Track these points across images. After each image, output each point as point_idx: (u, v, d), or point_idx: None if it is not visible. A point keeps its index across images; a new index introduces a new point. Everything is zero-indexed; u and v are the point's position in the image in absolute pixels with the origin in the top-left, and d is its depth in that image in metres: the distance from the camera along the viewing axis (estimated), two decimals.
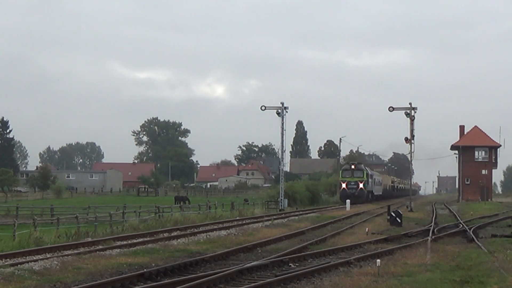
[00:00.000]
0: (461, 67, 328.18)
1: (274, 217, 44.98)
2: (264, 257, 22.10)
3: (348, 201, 63.81)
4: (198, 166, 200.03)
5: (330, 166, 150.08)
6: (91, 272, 18.53)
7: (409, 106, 62.72)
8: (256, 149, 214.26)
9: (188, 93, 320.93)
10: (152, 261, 21.16)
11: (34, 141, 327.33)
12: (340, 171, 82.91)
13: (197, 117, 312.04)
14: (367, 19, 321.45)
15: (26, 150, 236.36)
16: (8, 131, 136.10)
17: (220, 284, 16.62)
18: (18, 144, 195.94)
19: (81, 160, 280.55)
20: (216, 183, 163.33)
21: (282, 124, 66.02)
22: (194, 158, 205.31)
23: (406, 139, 62.76)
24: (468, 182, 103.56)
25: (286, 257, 21.11)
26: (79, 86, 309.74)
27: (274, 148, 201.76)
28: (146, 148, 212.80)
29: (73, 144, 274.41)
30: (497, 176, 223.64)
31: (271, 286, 16.37)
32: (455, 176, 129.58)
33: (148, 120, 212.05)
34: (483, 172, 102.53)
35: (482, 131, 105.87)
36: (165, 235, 29.98)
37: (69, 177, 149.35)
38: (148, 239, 27.92)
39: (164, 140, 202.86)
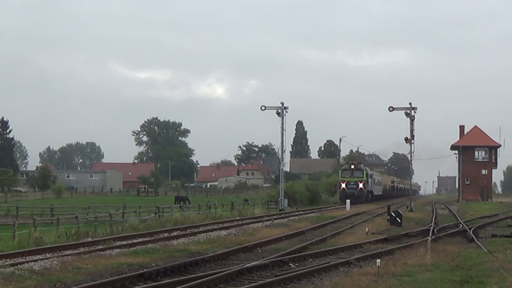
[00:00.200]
0: (461, 67, 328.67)
1: (274, 217, 44.99)
2: (264, 257, 22.09)
3: (348, 201, 63.80)
4: (198, 166, 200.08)
5: (330, 166, 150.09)
6: (91, 272, 18.53)
7: (409, 106, 62.74)
8: (256, 149, 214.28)
9: (188, 93, 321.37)
10: (152, 261, 21.16)
11: (34, 141, 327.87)
12: (340, 171, 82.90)
13: (197, 117, 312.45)
14: (367, 19, 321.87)
15: (26, 150, 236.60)
16: (8, 131, 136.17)
17: (220, 284, 16.61)
18: (18, 144, 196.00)
19: (81, 160, 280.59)
20: (216, 183, 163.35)
21: (282, 124, 66.04)
22: (194, 158, 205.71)
23: (406, 139, 62.77)
24: (468, 182, 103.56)
25: (286, 257, 21.10)
26: (79, 86, 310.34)
27: (274, 148, 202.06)
28: (146, 148, 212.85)
29: (73, 144, 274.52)
30: (497, 176, 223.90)
31: (271, 286, 16.37)
32: (455, 176, 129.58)
33: (148, 120, 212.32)
34: (483, 172, 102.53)
35: (482, 131, 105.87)
36: (165, 235, 29.97)
37: (69, 177, 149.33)
38: (148, 239, 27.91)
39: (164, 140, 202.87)
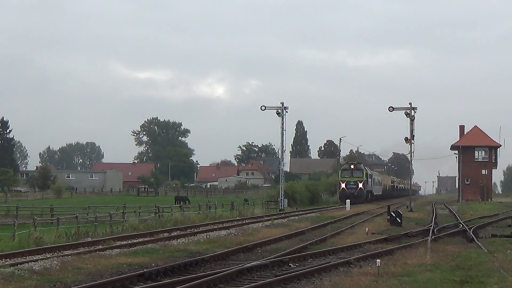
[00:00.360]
0: (461, 67, 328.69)
1: (274, 217, 44.98)
2: (264, 257, 22.09)
3: (348, 201, 63.78)
4: (198, 166, 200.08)
5: (330, 166, 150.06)
6: (91, 272, 18.53)
7: (409, 106, 62.73)
8: (256, 149, 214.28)
9: (188, 93, 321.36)
10: (152, 261, 21.16)
11: (34, 141, 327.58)
12: (340, 171, 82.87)
13: (197, 117, 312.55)
14: (367, 19, 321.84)
15: (26, 150, 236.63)
16: (8, 131, 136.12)
17: (220, 284, 16.61)
18: (18, 144, 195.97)
19: (81, 160, 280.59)
20: (216, 183, 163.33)
21: (282, 124, 66.03)
22: (194, 158, 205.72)
23: (406, 139, 62.76)
24: (468, 182, 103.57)
25: (286, 257, 21.10)
26: (79, 86, 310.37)
27: (274, 148, 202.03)
28: (146, 148, 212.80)
29: (73, 144, 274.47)
30: (497, 176, 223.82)
31: (271, 286, 16.37)
32: (455, 176, 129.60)
33: (148, 120, 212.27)
34: (483, 172, 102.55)
35: (482, 131, 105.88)
36: (165, 235, 29.97)
37: (69, 177, 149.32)
38: (148, 239, 27.91)
39: (164, 140, 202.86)
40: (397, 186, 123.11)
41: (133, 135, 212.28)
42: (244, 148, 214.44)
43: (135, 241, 26.74)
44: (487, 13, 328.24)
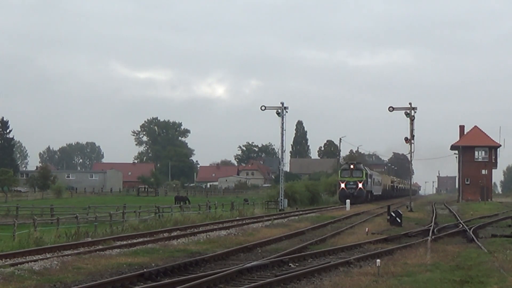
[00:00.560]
0: (461, 67, 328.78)
1: (274, 217, 44.97)
2: (264, 257, 22.09)
3: (348, 201, 63.77)
4: (198, 166, 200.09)
5: (330, 166, 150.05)
6: (91, 272, 18.53)
7: (409, 106, 62.74)
8: (256, 149, 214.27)
9: (188, 93, 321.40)
10: (152, 261, 21.16)
11: (34, 141, 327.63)
12: (339, 171, 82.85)
13: (198, 117, 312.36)
14: (368, 19, 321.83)
15: (26, 150, 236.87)
16: (8, 131, 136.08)
17: (220, 284, 16.61)
18: (18, 144, 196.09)
19: (81, 160, 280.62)
20: (216, 183, 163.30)
21: (282, 124, 66.04)
22: (194, 158, 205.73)
23: (406, 139, 62.77)
24: (468, 182, 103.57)
25: (286, 257, 21.10)
26: (80, 86, 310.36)
27: (274, 148, 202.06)
28: (146, 148, 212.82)
29: (73, 144, 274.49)
30: (497, 176, 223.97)
31: (271, 286, 16.37)
32: (455, 176, 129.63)
33: (148, 120, 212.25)
34: (483, 172, 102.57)
35: (482, 131, 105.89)
36: (165, 235, 29.97)
37: (69, 177, 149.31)
38: (148, 239, 27.91)
39: (164, 140, 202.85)
40: (397, 186, 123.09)
41: (133, 135, 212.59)
42: (244, 148, 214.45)
43: (135, 241, 26.74)
44: (487, 13, 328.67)
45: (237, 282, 17.12)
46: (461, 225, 37.02)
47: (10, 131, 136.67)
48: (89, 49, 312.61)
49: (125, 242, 25.99)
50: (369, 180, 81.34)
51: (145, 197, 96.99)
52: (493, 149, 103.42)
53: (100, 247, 24.18)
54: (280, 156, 75.77)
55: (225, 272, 17.53)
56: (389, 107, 63.75)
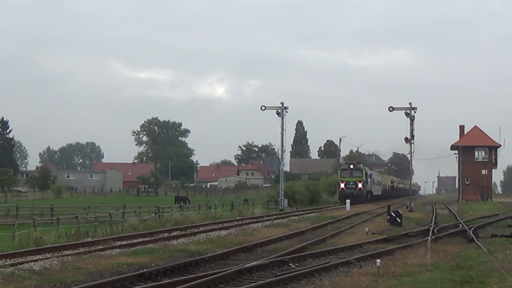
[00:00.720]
0: (461, 67, 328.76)
1: (274, 217, 44.97)
2: (264, 257, 22.09)
3: (348, 201, 63.76)
4: (198, 166, 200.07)
5: (330, 166, 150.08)
6: (91, 272, 18.52)
7: (409, 106, 62.74)
8: (256, 149, 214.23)
9: (189, 93, 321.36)
10: (152, 261, 21.16)
11: (34, 141, 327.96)
12: (339, 171, 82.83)
13: (198, 117, 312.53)
14: (368, 19, 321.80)
15: (26, 150, 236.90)
16: (8, 131, 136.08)
17: (220, 284, 16.61)
18: (18, 144, 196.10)
19: (81, 160, 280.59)
20: (216, 183, 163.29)
21: (282, 124, 66.04)
22: (194, 158, 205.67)
23: (406, 139, 62.76)
24: (468, 182, 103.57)
25: (286, 257, 21.10)
26: (80, 86, 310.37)
27: (274, 148, 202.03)
28: (146, 148, 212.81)
29: (73, 144, 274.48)
30: (497, 176, 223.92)
31: (271, 286, 16.36)
32: (455, 176, 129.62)
33: (148, 120, 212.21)
34: (483, 172, 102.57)
35: (482, 131, 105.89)
36: (165, 235, 29.97)
37: (69, 177, 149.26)
38: (148, 239, 27.91)
39: (164, 140, 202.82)
40: (397, 186, 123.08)
41: (133, 135, 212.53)
42: (244, 148, 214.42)
43: (135, 241, 26.74)
44: (487, 13, 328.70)
45: (237, 282, 17.12)
46: (461, 225, 37.02)
47: (10, 131, 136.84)
48: (89, 49, 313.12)
49: (125, 242, 25.99)
50: (368, 180, 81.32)
51: (145, 197, 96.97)
52: (493, 149, 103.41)
53: (100, 247, 24.18)
54: (280, 156, 75.80)
55: (225, 272, 17.53)
56: (389, 107, 63.75)
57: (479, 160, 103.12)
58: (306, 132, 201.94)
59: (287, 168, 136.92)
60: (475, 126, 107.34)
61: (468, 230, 32.53)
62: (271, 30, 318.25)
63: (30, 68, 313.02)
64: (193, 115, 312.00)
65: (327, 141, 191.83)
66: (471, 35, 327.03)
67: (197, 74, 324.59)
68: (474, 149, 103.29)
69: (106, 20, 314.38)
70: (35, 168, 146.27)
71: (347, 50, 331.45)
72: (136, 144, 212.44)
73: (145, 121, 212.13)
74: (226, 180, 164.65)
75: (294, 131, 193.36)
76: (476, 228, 35.76)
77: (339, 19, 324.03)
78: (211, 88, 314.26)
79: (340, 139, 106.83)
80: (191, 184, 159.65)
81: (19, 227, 29.13)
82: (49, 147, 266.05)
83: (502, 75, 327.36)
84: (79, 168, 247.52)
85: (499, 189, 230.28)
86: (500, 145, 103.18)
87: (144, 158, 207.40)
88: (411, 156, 64.84)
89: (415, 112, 62.68)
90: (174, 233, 30.89)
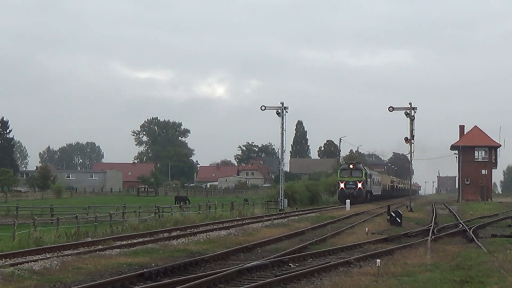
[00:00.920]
0: (461, 67, 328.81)
1: (274, 217, 44.97)
2: (264, 257, 22.09)
3: (348, 201, 63.76)
4: (198, 166, 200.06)
5: (330, 166, 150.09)
6: (91, 272, 18.53)
7: (409, 106, 62.74)
8: (256, 149, 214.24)
9: (189, 93, 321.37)
10: (152, 261, 21.16)
11: (34, 141, 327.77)
12: (339, 171, 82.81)
13: (198, 117, 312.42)
14: (368, 19, 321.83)
15: (26, 150, 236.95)
16: (8, 131, 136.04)
17: (220, 284, 16.61)
18: (18, 144, 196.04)
19: (81, 160, 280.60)
20: (216, 183, 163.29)
21: (282, 124, 66.04)
22: (194, 158, 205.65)
23: (406, 139, 62.76)
24: (468, 182, 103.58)
25: (286, 257, 21.10)
26: (80, 86, 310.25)
27: (274, 148, 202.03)
28: (146, 148, 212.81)
29: (73, 144, 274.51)
30: (497, 176, 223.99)
31: (271, 286, 16.37)
32: (455, 176, 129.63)
33: (148, 120, 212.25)
34: (483, 172, 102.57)
35: (482, 131, 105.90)
36: (165, 235, 29.96)
37: (69, 177, 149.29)
38: (148, 239, 27.91)
39: (164, 140, 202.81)
40: (397, 186, 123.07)
41: (133, 135, 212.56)
42: (244, 148, 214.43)
43: (135, 241, 26.74)
44: (487, 13, 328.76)
45: (237, 282, 17.12)
46: (461, 225, 37.02)
47: (10, 131, 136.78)
48: (89, 49, 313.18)
49: (125, 242, 25.99)
50: (368, 180, 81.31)
51: (145, 197, 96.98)
52: (493, 149, 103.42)
53: (100, 247, 24.17)
54: (280, 156, 75.79)
55: (225, 272, 17.53)
56: (389, 107, 63.75)
57: (479, 160, 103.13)
58: (306, 132, 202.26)
59: (287, 168, 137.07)
60: (475, 126, 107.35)
61: (468, 230, 32.52)
62: (271, 30, 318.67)
63: (30, 68, 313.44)
64: (193, 115, 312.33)
65: (327, 141, 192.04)
66: (471, 35, 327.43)
67: (197, 74, 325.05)
68: (474, 149, 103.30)
69: (106, 20, 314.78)
70: (35, 168, 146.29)
71: (347, 50, 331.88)
72: (136, 144, 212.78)
73: (145, 121, 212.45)
74: (226, 180, 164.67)
75: (294, 131, 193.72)
76: (476, 228, 35.76)
77: (339, 19, 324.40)
78: (211, 88, 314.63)
79: (340, 139, 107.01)
80: (191, 184, 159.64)
81: (19, 227, 29.12)
82: (49, 147, 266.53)
83: (502, 75, 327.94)
84: (79, 168, 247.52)
85: (499, 189, 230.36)
86: (500, 145, 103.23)
87: (144, 158, 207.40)
88: (411, 156, 64.85)
89: (415, 112, 62.70)
90: (174, 233, 30.89)
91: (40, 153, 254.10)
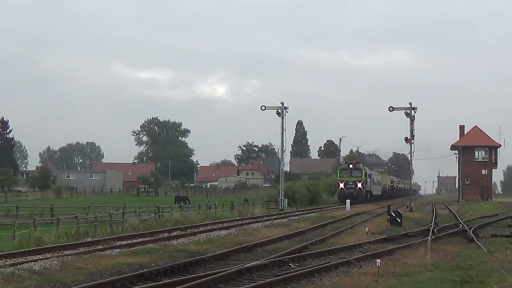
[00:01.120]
0: (461, 67, 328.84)
1: (274, 217, 44.96)
2: (264, 257, 22.09)
3: (348, 201, 63.76)
4: (198, 166, 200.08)
5: (330, 166, 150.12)
6: (91, 272, 18.53)
7: (409, 106, 62.73)
8: (256, 149, 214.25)
9: (189, 93, 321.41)
10: (152, 261, 21.16)
11: (34, 141, 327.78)
12: (338, 171, 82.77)
13: (198, 117, 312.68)
14: (368, 19, 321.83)
15: (26, 150, 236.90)
16: (8, 131, 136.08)
17: (220, 284, 16.61)
18: (18, 144, 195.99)
19: (81, 160, 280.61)
20: (216, 183, 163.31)
21: (282, 124, 66.04)
22: (194, 158, 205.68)
23: (406, 139, 62.76)
24: (468, 182, 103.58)
25: (286, 257, 21.11)
26: (80, 86, 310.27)
27: (274, 148, 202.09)
28: (146, 148, 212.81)
29: (73, 144, 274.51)
30: (497, 176, 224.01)
31: (271, 286, 16.37)
32: (455, 176, 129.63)
33: (148, 120, 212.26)
34: (483, 172, 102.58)
35: (482, 131, 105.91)
36: (165, 235, 29.96)
37: (69, 177, 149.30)
38: (148, 239, 27.91)
39: (164, 140, 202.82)
40: (396, 186, 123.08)
41: (133, 135, 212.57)
42: (244, 148, 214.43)
43: (135, 241, 26.74)
44: (487, 13, 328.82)
45: (237, 282, 17.12)
46: (461, 225, 37.03)
47: (10, 131, 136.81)
48: (89, 49, 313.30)
49: (125, 242, 25.98)
50: (368, 180, 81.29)
51: (145, 197, 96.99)
52: (493, 149, 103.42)
53: (100, 247, 24.17)
54: (280, 156, 75.81)
55: (225, 272, 17.53)
56: (389, 107, 63.74)
57: (479, 160, 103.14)
58: (306, 132, 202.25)
59: (287, 168, 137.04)
60: (475, 126, 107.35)
61: (468, 230, 32.53)
62: (271, 30, 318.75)
63: (31, 68, 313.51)
64: (194, 115, 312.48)
65: (327, 141, 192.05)
66: (471, 35, 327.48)
67: (198, 74, 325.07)
68: (474, 149, 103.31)
69: (106, 20, 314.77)
70: (35, 168, 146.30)
71: (347, 50, 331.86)
72: (136, 144, 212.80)
73: (145, 121, 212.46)
74: (226, 180, 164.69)
75: (294, 131, 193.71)
76: (476, 228, 35.77)
77: (339, 19, 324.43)
78: (212, 88, 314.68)
79: (340, 139, 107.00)
80: (191, 184, 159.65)
81: (19, 227, 29.13)
82: (49, 147, 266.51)
83: (502, 75, 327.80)
84: (79, 168, 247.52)
85: (499, 189, 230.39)
86: (500, 145, 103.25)
87: (144, 158, 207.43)
88: (411, 156, 64.84)
89: (415, 112, 62.69)
90: (174, 233, 30.88)
91: (40, 153, 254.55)
